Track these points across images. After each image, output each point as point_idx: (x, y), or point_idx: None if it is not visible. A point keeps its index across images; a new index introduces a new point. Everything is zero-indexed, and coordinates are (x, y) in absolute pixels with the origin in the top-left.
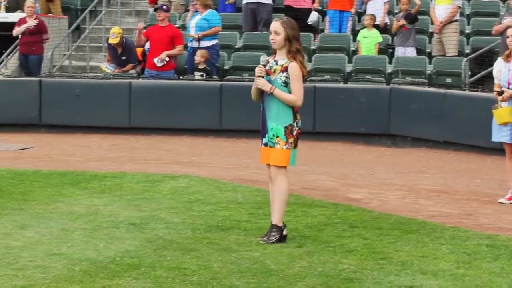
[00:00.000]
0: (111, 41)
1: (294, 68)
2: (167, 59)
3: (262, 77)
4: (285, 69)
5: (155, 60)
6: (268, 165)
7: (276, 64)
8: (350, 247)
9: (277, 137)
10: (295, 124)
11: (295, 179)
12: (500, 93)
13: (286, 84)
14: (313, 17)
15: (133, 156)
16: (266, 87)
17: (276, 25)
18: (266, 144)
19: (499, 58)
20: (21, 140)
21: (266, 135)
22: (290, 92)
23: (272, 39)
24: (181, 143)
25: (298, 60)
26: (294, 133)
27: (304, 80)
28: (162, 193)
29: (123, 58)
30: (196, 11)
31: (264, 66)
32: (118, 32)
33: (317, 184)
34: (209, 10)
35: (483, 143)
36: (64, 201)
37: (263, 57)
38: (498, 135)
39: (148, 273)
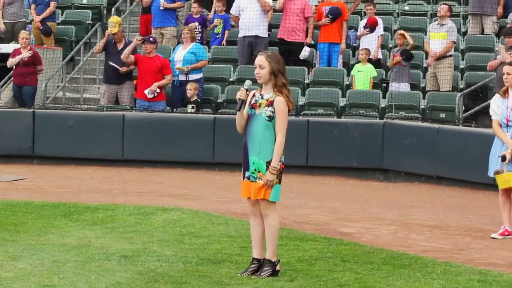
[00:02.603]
0: (110, 30)
1: (280, 102)
2: (158, 90)
3: (243, 100)
4: (270, 103)
5: (146, 91)
6: (249, 199)
7: (262, 98)
8: (341, 281)
9: (259, 172)
10: (279, 160)
11: (288, 213)
12: (503, 158)
13: (271, 118)
14: (305, 52)
15: (125, 189)
16: (272, 180)
17: (260, 59)
18: (248, 178)
19: (496, 94)
20: (14, 171)
21: (249, 169)
22: (274, 127)
23: (257, 73)
24: (173, 176)
25: (284, 95)
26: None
27: (290, 114)
28: (154, 226)
29: None
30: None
31: (247, 90)
32: (117, 21)
33: (309, 218)
34: (194, 43)
35: (476, 178)
36: (56, 233)
37: (248, 82)
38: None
39: None
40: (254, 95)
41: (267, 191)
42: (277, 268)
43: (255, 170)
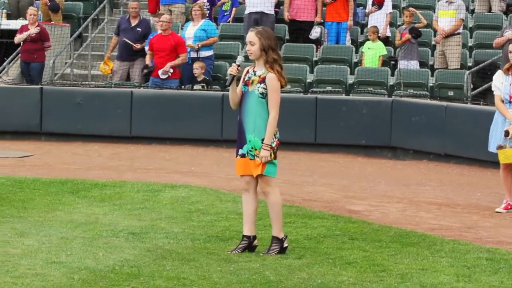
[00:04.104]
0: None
1: (271, 79)
2: (171, 70)
3: (234, 76)
4: (262, 80)
5: (159, 72)
6: (243, 176)
7: (254, 74)
8: (349, 259)
9: (256, 149)
10: (272, 136)
11: (296, 190)
12: (507, 133)
13: (264, 95)
14: (316, 34)
15: (133, 165)
16: (266, 156)
17: (251, 36)
18: (243, 156)
19: (499, 71)
20: (21, 148)
21: (245, 147)
22: (267, 104)
23: (248, 50)
24: (182, 153)
25: (275, 70)
26: (273, 145)
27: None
28: (162, 203)
29: (138, 29)
30: (188, 21)
31: (239, 66)
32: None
33: (318, 195)
34: (205, 20)
35: (484, 156)
36: (63, 210)
37: (239, 57)
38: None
39: (147, 283)
40: (248, 72)
41: (263, 166)
42: (285, 244)
43: (252, 148)
